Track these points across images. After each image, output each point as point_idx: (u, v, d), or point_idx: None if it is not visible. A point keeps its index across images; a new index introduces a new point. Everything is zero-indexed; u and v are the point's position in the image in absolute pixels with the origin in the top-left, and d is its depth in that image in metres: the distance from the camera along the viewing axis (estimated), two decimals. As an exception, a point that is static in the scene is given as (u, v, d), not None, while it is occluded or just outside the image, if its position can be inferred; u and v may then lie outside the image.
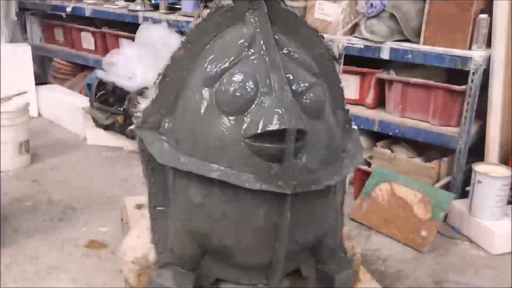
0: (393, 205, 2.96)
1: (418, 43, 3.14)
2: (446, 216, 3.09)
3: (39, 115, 4.83)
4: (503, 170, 2.90)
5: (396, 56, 3.18)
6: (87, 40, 5.04)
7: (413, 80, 3.17)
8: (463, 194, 3.06)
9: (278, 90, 1.49)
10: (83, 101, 4.44)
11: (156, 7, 4.51)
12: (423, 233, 2.80)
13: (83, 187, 3.44)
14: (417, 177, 3.09)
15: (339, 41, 3.28)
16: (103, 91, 4.07)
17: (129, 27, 4.68)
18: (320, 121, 1.62)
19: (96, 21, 5.08)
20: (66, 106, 4.62)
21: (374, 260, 2.70)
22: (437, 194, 2.89)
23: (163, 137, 1.67)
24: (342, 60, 3.26)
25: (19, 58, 4.71)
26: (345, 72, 3.31)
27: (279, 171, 1.50)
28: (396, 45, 3.17)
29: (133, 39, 4.56)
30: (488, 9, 3.01)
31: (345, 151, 1.76)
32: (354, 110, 3.25)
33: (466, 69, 2.94)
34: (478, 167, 2.91)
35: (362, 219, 3.01)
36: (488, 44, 3.04)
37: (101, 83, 4.06)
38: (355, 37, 3.29)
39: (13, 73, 4.44)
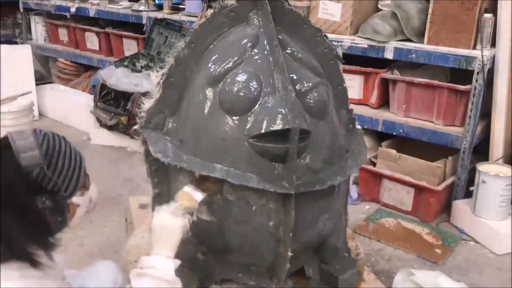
0: (401, 231, 2.97)
1: (418, 42, 3.14)
2: (449, 216, 3.09)
3: (40, 115, 4.83)
4: (507, 170, 2.89)
5: (400, 55, 3.17)
6: (91, 40, 5.05)
7: (417, 79, 3.16)
8: (467, 194, 3.05)
9: (281, 90, 1.49)
10: (88, 101, 4.45)
11: (160, 7, 4.52)
12: (438, 251, 2.78)
13: (87, 186, 3.45)
14: (423, 176, 3.09)
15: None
16: (107, 91, 4.08)
17: (133, 27, 4.69)
18: (324, 121, 1.62)
19: (100, 22, 5.10)
20: (70, 105, 4.63)
21: (378, 260, 2.70)
22: (445, 234, 2.93)
23: (166, 137, 1.67)
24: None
25: (20, 59, 4.71)
26: (349, 71, 3.30)
27: (282, 171, 1.50)
28: (400, 44, 3.16)
29: (137, 39, 4.58)
30: (492, 8, 3.00)
31: (348, 151, 1.76)
32: (357, 110, 3.25)
33: (470, 68, 2.93)
34: (482, 167, 2.90)
35: (369, 234, 2.95)
36: (493, 43, 3.03)
37: (105, 84, 4.06)
38: (359, 36, 3.28)
39: (14, 73, 4.46)
